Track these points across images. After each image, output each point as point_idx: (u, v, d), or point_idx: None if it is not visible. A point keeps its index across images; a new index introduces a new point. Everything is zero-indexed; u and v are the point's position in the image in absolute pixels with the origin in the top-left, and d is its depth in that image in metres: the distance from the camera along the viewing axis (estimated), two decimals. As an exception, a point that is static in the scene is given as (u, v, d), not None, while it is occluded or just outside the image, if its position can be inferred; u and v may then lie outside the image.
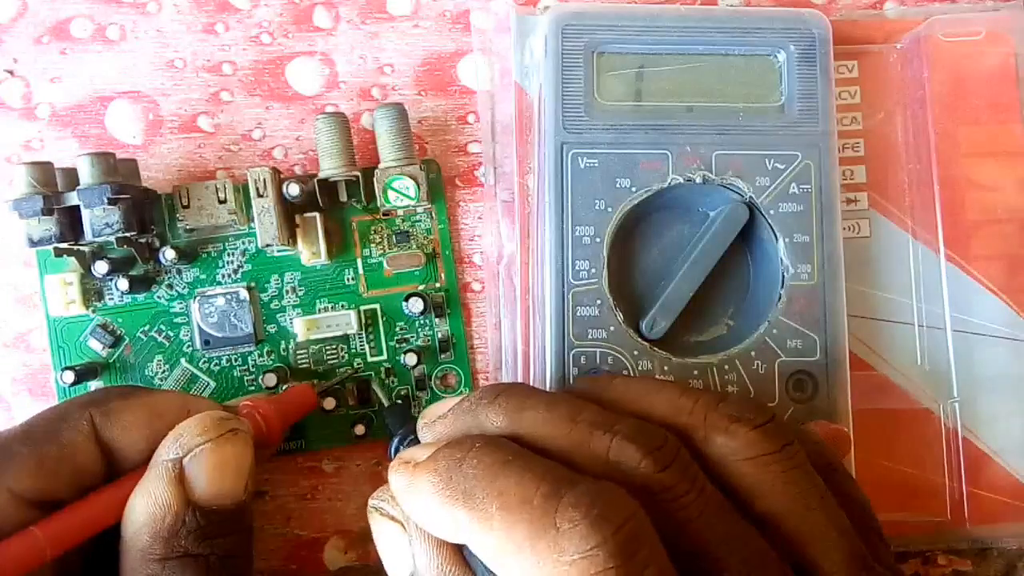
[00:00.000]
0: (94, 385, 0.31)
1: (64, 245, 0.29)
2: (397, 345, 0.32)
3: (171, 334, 0.32)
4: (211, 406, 0.27)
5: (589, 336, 0.29)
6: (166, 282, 0.32)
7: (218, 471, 0.25)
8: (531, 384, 0.31)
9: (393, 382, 0.32)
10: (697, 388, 0.25)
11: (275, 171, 0.30)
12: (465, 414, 0.24)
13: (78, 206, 0.28)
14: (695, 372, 0.29)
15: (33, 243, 0.29)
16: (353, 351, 0.32)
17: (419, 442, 0.26)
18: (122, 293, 0.31)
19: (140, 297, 0.31)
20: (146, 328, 0.31)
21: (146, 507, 0.24)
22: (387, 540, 0.24)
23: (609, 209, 0.30)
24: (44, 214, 0.28)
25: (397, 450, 0.29)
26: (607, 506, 0.20)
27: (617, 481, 0.21)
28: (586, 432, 0.22)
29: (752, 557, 0.21)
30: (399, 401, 0.32)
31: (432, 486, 0.22)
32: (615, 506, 0.20)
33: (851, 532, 0.22)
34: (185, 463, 0.24)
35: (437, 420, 0.25)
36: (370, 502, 0.25)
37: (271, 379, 0.31)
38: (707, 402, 0.23)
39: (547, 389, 0.29)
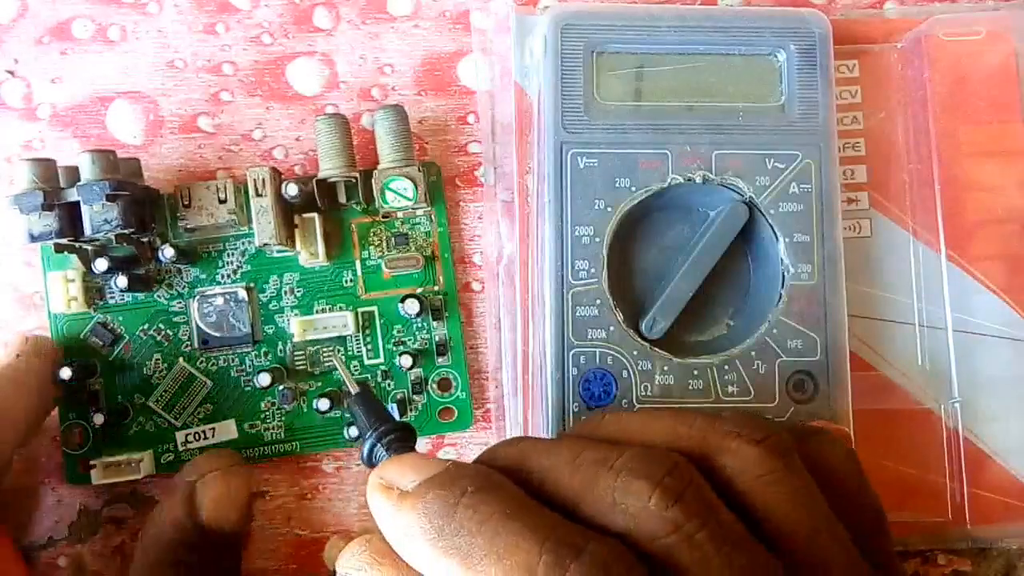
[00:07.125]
0: (92, 383, 0.31)
1: (64, 241, 0.29)
2: (394, 347, 0.32)
3: (170, 333, 0.32)
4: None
5: (589, 336, 0.29)
6: (166, 281, 0.32)
7: (222, 497, 0.29)
8: (529, 388, 0.31)
9: (390, 385, 0.32)
10: (691, 411, 0.24)
11: (274, 171, 0.30)
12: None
13: (79, 203, 0.28)
14: (695, 372, 0.29)
15: (33, 238, 0.29)
16: (350, 353, 0.32)
17: (397, 443, 0.25)
18: (121, 291, 0.31)
19: (140, 296, 0.31)
20: (145, 327, 0.31)
21: (162, 518, 0.29)
22: None
23: (609, 209, 0.30)
24: (44, 210, 0.28)
25: (371, 453, 0.25)
26: None
27: (627, 524, 0.20)
28: (591, 472, 0.21)
29: None
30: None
31: (422, 532, 0.21)
32: None
33: (854, 553, 0.22)
34: (197, 486, 0.29)
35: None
36: (338, 571, 0.23)
37: (265, 379, 0.30)
38: (704, 423, 0.23)
39: (546, 394, 0.29)
